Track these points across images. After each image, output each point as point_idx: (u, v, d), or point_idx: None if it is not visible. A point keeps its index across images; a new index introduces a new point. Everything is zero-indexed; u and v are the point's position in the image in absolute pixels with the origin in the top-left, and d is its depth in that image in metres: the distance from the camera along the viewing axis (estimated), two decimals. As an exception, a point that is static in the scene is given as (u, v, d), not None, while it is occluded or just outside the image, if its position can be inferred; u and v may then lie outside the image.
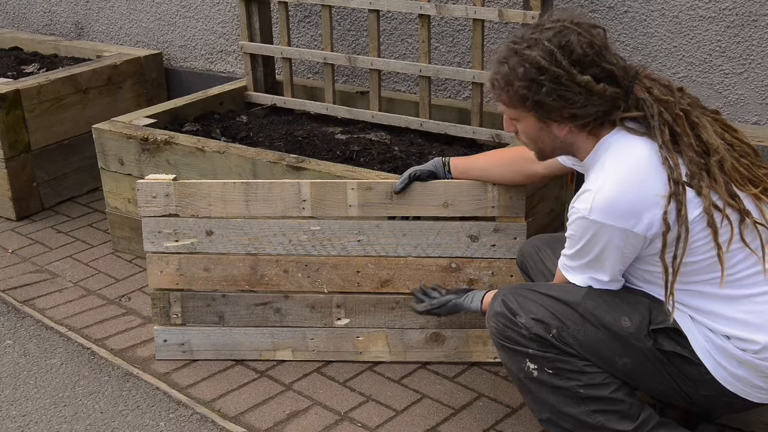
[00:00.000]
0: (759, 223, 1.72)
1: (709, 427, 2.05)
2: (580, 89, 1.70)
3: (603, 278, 1.80)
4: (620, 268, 1.78)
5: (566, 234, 1.80)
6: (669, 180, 1.67)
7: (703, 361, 1.74)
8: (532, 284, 2.00)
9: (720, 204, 1.69)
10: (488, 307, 1.95)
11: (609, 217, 1.68)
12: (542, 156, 1.92)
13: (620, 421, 1.82)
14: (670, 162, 1.68)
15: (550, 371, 1.84)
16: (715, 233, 1.68)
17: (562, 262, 1.87)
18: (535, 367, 1.85)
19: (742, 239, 1.70)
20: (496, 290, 2.02)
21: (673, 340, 1.76)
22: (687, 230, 1.67)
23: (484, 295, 2.11)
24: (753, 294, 1.73)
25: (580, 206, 1.73)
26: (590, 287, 1.83)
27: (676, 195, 1.66)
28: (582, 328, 1.81)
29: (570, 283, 1.85)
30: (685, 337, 1.75)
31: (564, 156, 2.13)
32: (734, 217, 1.70)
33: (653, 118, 1.72)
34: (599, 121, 1.76)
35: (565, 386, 1.83)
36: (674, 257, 1.69)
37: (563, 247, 1.85)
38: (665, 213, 1.66)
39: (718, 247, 1.68)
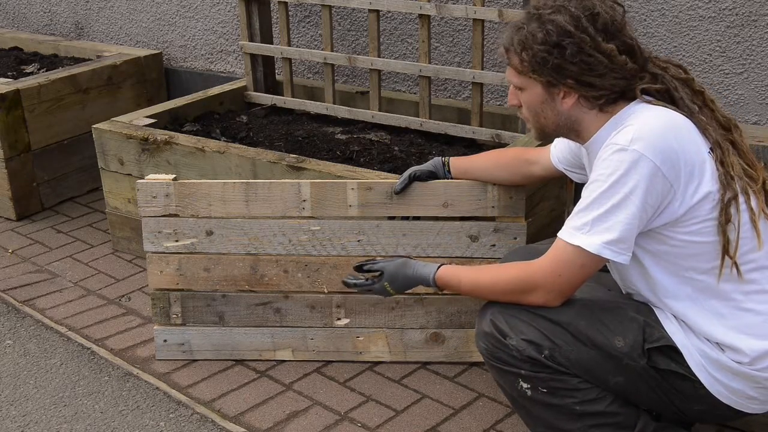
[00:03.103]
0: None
1: (707, 427, 2.04)
2: (603, 57, 1.69)
3: (613, 236, 1.65)
4: (635, 229, 1.67)
5: (592, 178, 1.70)
6: (710, 144, 1.68)
7: (699, 377, 1.73)
8: None
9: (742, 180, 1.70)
10: (476, 325, 1.90)
11: (650, 149, 1.62)
12: (542, 134, 1.86)
13: None
14: (708, 128, 1.69)
15: (544, 390, 1.81)
16: (747, 199, 1.69)
17: (566, 227, 1.73)
18: (529, 386, 1.82)
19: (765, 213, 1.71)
20: (451, 266, 1.93)
21: (667, 357, 1.74)
22: (736, 193, 1.66)
23: (439, 267, 1.94)
24: (751, 291, 1.72)
25: (619, 139, 1.66)
26: (580, 308, 1.79)
27: (720, 159, 1.67)
28: (574, 348, 1.77)
29: (570, 249, 1.70)
30: (679, 354, 1.73)
31: (558, 158, 2.13)
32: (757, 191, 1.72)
33: (677, 91, 1.73)
34: (612, 97, 1.74)
35: (560, 404, 1.81)
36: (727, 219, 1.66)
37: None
38: (719, 173, 1.66)
39: (751, 211, 1.68)
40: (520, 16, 1.78)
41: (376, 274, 2.05)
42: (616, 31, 1.70)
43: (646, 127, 1.65)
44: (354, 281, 2.08)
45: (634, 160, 1.63)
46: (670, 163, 1.63)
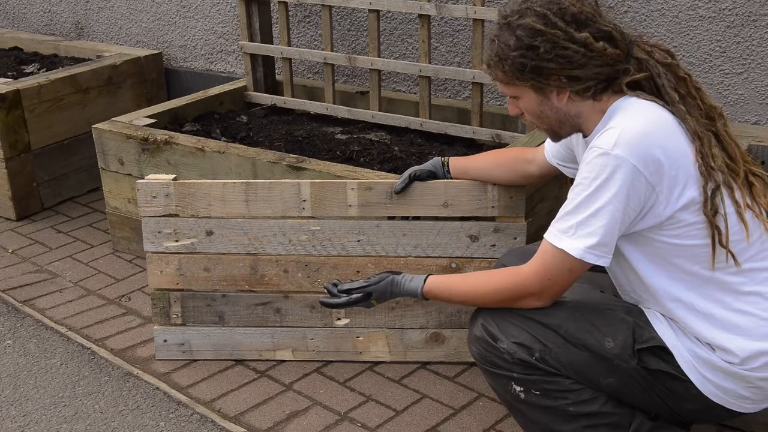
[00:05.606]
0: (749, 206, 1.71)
1: (707, 427, 2.04)
2: (579, 47, 1.67)
3: (594, 241, 1.66)
4: (616, 232, 1.68)
5: (576, 181, 1.71)
6: (689, 134, 1.67)
7: (689, 377, 1.73)
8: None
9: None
10: (468, 329, 1.91)
11: (633, 153, 1.62)
12: (555, 135, 1.86)
13: None
14: (687, 118, 1.68)
15: (537, 392, 1.82)
16: (732, 193, 1.68)
17: (552, 229, 1.74)
18: (522, 389, 1.83)
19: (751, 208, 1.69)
20: (439, 277, 1.92)
21: (658, 357, 1.74)
22: (718, 184, 1.65)
23: (426, 278, 1.93)
24: (741, 292, 1.72)
25: (602, 143, 1.65)
26: (570, 310, 1.80)
27: (699, 150, 1.66)
28: (565, 350, 1.78)
29: (557, 253, 1.71)
30: (670, 354, 1.73)
31: (551, 153, 2.13)
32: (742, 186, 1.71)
33: (659, 77, 1.71)
34: (602, 86, 1.72)
35: (554, 405, 1.81)
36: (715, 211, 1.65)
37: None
38: (698, 164, 1.65)
39: (735, 203, 1.67)
40: (493, 28, 1.77)
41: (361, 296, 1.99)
42: (587, 20, 1.69)
43: (628, 131, 1.65)
44: (337, 301, 1.99)
45: (616, 165, 1.63)
46: (653, 167, 1.63)
